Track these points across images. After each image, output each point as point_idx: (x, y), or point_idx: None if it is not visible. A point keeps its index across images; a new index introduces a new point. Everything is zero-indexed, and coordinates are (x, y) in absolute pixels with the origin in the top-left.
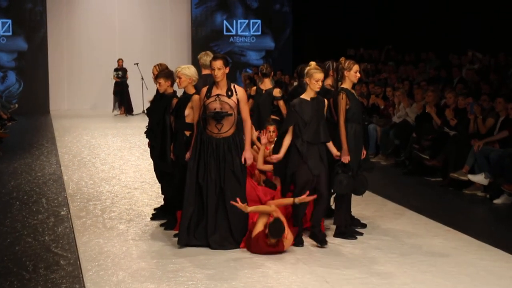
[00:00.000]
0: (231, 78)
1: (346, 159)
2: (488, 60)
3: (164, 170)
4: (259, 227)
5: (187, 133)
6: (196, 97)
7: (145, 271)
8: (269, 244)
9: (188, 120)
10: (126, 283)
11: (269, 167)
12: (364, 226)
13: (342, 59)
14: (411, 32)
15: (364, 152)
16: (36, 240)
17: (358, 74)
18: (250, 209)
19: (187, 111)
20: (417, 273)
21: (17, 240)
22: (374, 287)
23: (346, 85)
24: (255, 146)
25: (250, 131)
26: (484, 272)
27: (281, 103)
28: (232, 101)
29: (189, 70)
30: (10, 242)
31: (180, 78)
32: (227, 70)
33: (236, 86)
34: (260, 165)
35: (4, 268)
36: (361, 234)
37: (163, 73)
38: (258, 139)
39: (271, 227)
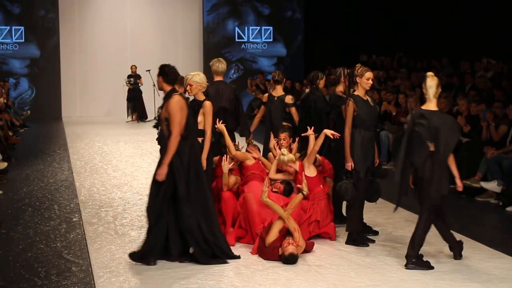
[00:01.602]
0: (242, 85)
1: (348, 165)
2: (501, 67)
3: None
4: (274, 234)
5: (200, 139)
6: (208, 103)
7: (157, 278)
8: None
9: (200, 126)
10: None
11: (281, 176)
12: (376, 233)
13: (357, 66)
14: (423, 38)
15: (377, 159)
16: (48, 246)
17: (370, 82)
18: (266, 199)
19: (199, 118)
20: (429, 280)
21: (29, 246)
22: None
23: (359, 92)
24: (270, 154)
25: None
26: (497, 280)
27: (293, 109)
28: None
29: (199, 77)
30: (22, 248)
31: (191, 85)
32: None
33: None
34: (272, 174)
35: (16, 274)
36: (373, 241)
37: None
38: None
39: (284, 260)
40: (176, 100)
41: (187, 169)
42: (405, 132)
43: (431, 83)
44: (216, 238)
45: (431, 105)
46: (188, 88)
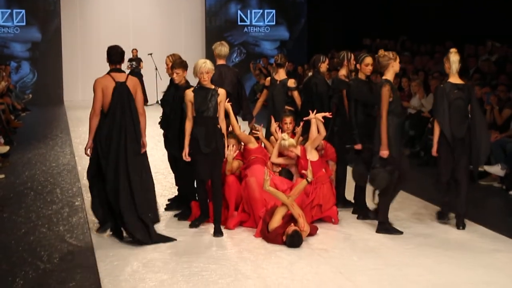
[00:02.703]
0: (245, 68)
1: (384, 153)
2: (505, 50)
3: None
4: (277, 219)
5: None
6: (223, 90)
7: (159, 262)
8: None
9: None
10: (140, 273)
11: (282, 160)
12: (375, 215)
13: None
14: (426, 22)
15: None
16: (51, 230)
17: (370, 67)
18: (268, 188)
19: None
20: (432, 264)
21: (32, 230)
22: (388, 278)
23: (388, 76)
24: (272, 138)
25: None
26: (501, 264)
27: (295, 93)
28: None
29: (212, 64)
30: (25, 232)
31: (208, 73)
32: None
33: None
34: (274, 158)
35: (19, 258)
36: (401, 232)
37: (182, 63)
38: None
39: (289, 240)
40: (97, 79)
41: (104, 145)
42: (440, 104)
43: (454, 58)
44: (121, 218)
45: (455, 79)
46: (205, 76)
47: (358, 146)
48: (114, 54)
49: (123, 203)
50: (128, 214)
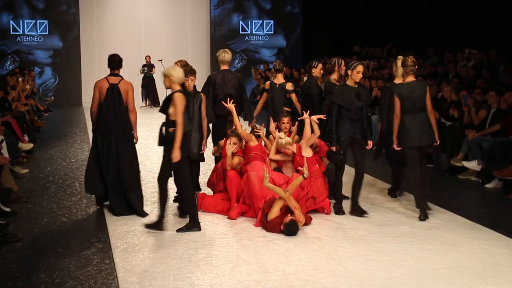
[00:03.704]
0: (247, 73)
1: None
2: (481, 57)
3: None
4: (276, 211)
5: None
6: (178, 94)
7: (169, 248)
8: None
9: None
10: (151, 258)
11: (280, 157)
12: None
13: (399, 57)
14: (410, 31)
15: (370, 142)
16: (70, 219)
17: (360, 75)
18: (267, 184)
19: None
20: (415, 251)
21: (53, 219)
22: (375, 263)
23: (397, 80)
24: (271, 136)
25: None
26: (477, 250)
27: (293, 96)
28: None
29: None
30: (47, 221)
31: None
32: None
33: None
34: (272, 155)
35: (41, 245)
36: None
37: (193, 70)
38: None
39: (287, 228)
40: (96, 81)
41: (100, 134)
42: (384, 101)
43: (399, 63)
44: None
45: (399, 80)
46: (192, 79)
47: (334, 148)
48: (114, 61)
49: (111, 181)
50: (112, 191)
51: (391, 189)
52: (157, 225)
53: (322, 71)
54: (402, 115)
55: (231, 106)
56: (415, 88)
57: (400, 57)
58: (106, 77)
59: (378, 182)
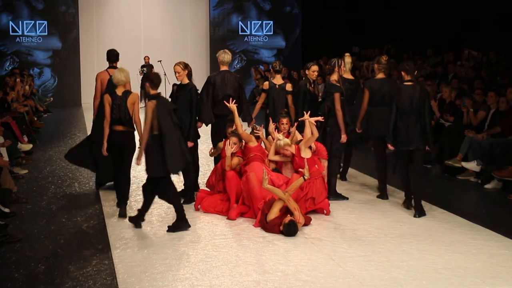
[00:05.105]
0: (246, 74)
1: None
2: (480, 57)
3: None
4: (275, 212)
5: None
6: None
7: (168, 249)
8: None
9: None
10: (150, 259)
11: (279, 158)
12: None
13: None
14: (409, 32)
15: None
16: (69, 220)
17: (315, 73)
18: (267, 186)
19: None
20: (414, 251)
21: (53, 220)
22: (375, 264)
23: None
24: (270, 137)
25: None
26: (476, 251)
27: (289, 97)
28: None
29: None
30: (46, 222)
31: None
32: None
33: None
34: (271, 156)
35: (41, 245)
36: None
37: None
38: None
39: (286, 228)
40: (98, 73)
41: (100, 119)
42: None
43: (347, 60)
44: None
45: (348, 75)
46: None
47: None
48: (111, 55)
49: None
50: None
51: (341, 173)
52: (137, 221)
53: (316, 73)
54: (371, 106)
55: (233, 106)
56: (384, 84)
57: (347, 53)
58: (106, 70)
59: (374, 181)
